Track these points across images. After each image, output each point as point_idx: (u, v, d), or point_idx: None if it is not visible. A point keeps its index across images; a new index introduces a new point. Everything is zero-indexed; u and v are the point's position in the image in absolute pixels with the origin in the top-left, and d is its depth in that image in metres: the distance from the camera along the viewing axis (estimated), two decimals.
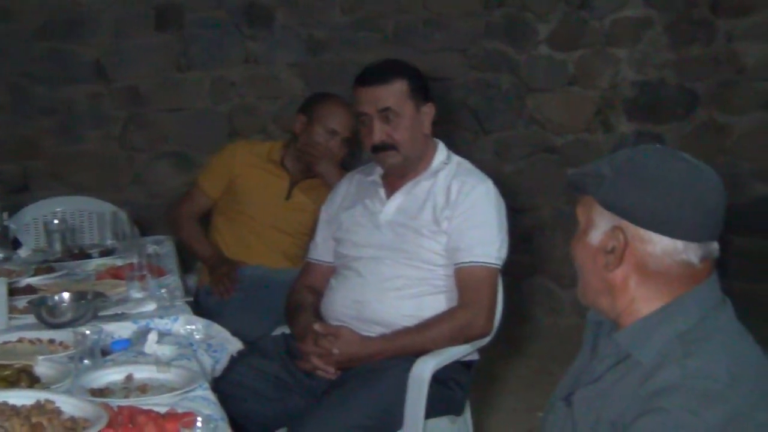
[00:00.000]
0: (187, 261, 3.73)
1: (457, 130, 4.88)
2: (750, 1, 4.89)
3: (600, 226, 1.58)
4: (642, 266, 1.55)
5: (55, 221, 3.38)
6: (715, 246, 1.56)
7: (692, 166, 1.55)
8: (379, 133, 2.70)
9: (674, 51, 4.93)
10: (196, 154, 4.52)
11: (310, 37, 4.63)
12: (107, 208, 3.77)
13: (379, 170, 2.86)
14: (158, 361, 2.11)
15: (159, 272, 2.81)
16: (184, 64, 4.56)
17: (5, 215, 3.32)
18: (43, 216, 3.72)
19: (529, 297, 4.94)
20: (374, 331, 2.66)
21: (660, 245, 1.53)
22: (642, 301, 1.56)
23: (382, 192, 2.81)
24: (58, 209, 3.80)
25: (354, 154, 3.71)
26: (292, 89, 4.62)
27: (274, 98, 4.60)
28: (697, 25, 4.88)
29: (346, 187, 2.95)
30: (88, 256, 3.17)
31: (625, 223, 1.54)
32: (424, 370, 2.56)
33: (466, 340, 2.67)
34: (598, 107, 4.91)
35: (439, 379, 2.61)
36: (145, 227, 4.18)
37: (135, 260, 2.72)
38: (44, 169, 4.55)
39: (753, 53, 4.90)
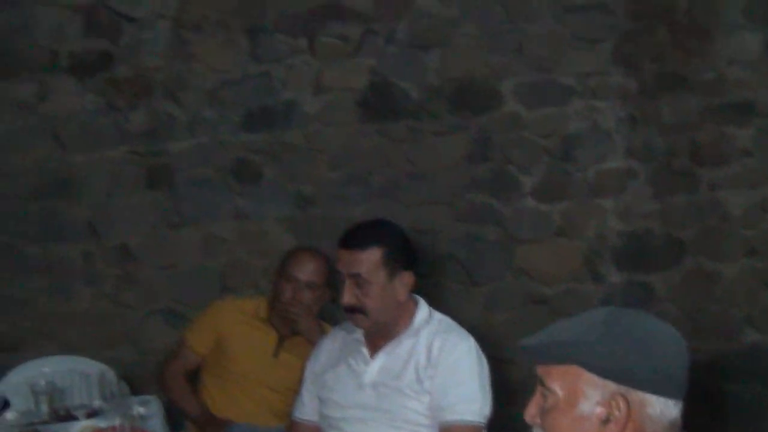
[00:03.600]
0: (177, 419, 4.14)
1: (446, 282, 5.36)
2: (727, 151, 5.49)
3: (592, 396, 1.69)
4: (640, 431, 1.68)
5: (42, 383, 3.77)
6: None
7: (664, 325, 1.77)
8: (348, 295, 3.06)
9: (659, 200, 5.52)
10: (189, 311, 4.94)
11: (298, 192, 5.21)
12: (96, 367, 4.17)
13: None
14: None
15: None
16: (176, 221, 5.13)
17: None
18: (32, 377, 4.07)
19: None
20: None
21: (658, 406, 1.69)
22: None
23: (365, 351, 3.14)
24: (46, 369, 4.19)
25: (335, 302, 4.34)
26: (282, 244, 5.05)
27: (264, 253, 5.12)
28: (680, 175, 5.44)
29: (330, 344, 3.28)
30: (74, 418, 3.51)
31: (625, 389, 1.67)
32: None
33: None
34: (586, 257, 5.47)
35: None
36: (137, 385, 4.76)
37: (118, 422, 3.11)
38: (35, 328, 5.04)
39: (736, 201, 5.49)
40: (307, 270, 3.91)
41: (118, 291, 5.16)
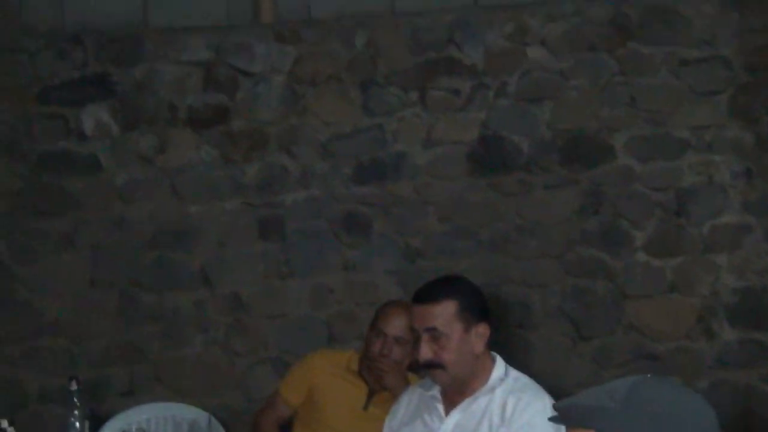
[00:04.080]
0: None
1: (555, 336, 5.43)
2: None
3: None
4: None
5: (132, 429, 3.95)
6: None
7: (693, 398, 1.76)
8: (425, 351, 3.08)
9: None
10: (296, 360, 4.89)
11: (406, 245, 5.34)
12: (194, 414, 4.36)
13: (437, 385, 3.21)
14: None
15: None
16: (286, 271, 5.32)
17: (86, 423, 3.77)
18: (131, 423, 4.30)
19: None
20: None
21: None
22: None
23: (440, 408, 3.17)
24: (145, 416, 4.42)
25: None
26: (390, 296, 5.09)
27: (371, 305, 5.06)
28: None
29: (407, 401, 3.33)
30: None
31: None
32: None
33: None
34: (699, 314, 5.39)
35: None
36: None
37: None
38: (149, 374, 5.29)
39: None
40: (396, 325, 3.94)
41: (229, 339, 5.35)
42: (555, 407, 1.86)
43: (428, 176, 5.41)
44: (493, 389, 3.15)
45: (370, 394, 4.05)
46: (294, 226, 5.37)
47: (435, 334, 3.08)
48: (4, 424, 2.83)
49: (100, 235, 5.32)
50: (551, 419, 1.89)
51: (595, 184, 5.44)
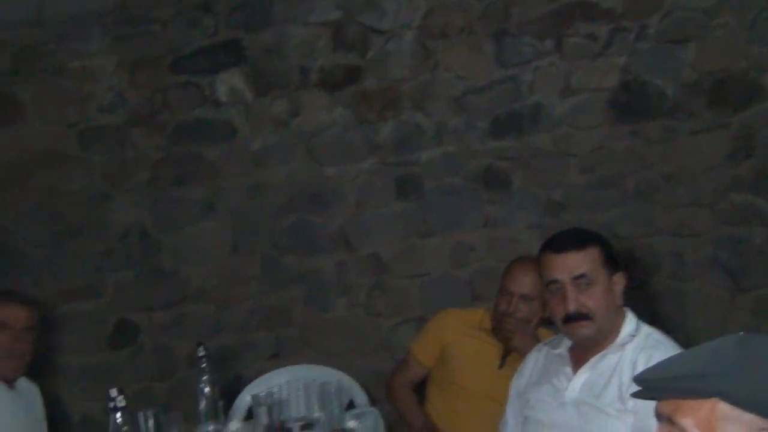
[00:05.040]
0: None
1: (710, 289, 5.30)
2: None
3: None
4: None
5: (262, 394, 3.94)
6: None
7: None
8: (572, 301, 3.00)
9: None
10: None
11: (548, 198, 5.33)
12: (335, 377, 4.40)
13: (566, 342, 3.16)
14: None
15: None
16: (425, 230, 5.37)
17: (216, 389, 3.81)
18: (275, 386, 4.42)
19: None
20: None
21: None
22: None
23: (568, 368, 3.11)
24: (284, 379, 4.51)
25: None
26: (532, 252, 5.47)
27: None
28: None
29: (534, 360, 3.28)
30: (288, 431, 3.67)
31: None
32: None
33: None
34: None
35: None
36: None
37: None
38: (294, 337, 5.44)
39: None
40: (522, 282, 3.93)
41: (370, 300, 5.47)
42: (645, 378, 1.74)
43: (568, 126, 5.37)
44: (623, 346, 3.06)
45: (505, 353, 4.02)
46: (431, 183, 5.43)
47: (583, 282, 3.01)
48: (114, 393, 3.01)
49: (238, 201, 5.47)
50: (636, 395, 1.79)
51: (745, 127, 5.31)
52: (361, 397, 4.51)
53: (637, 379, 1.79)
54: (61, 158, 5.54)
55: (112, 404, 2.96)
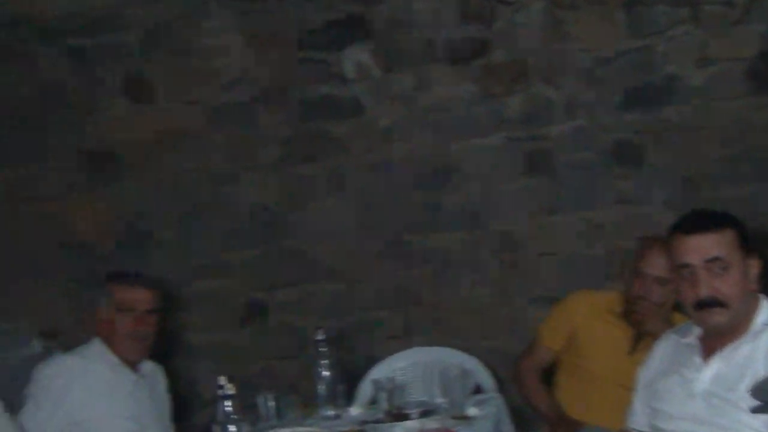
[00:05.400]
0: (527, 419, 4.24)
1: None
2: None
3: None
4: None
5: (382, 378, 3.90)
6: None
7: None
8: (705, 286, 2.86)
9: None
10: None
11: (684, 173, 5.17)
12: (459, 359, 4.40)
13: (696, 331, 3.02)
14: None
15: None
16: (555, 207, 5.27)
17: (335, 372, 3.81)
18: (397, 371, 4.40)
19: None
20: None
21: None
22: None
23: (698, 357, 2.98)
24: (404, 363, 4.47)
25: None
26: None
27: None
28: None
29: (662, 349, 3.16)
30: (406, 417, 3.55)
31: None
32: None
33: None
34: None
35: None
36: None
37: (433, 426, 3.17)
38: (422, 316, 5.41)
39: None
40: (657, 264, 3.76)
41: (501, 279, 5.39)
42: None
43: (704, 98, 5.18)
44: (757, 335, 2.92)
45: (636, 338, 3.90)
46: (562, 159, 5.32)
47: (718, 266, 2.88)
48: (222, 380, 3.03)
49: (365, 178, 5.45)
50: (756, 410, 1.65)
51: None
52: (487, 382, 4.45)
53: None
54: (190, 137, 5.62)
55: (220, 392, 2.98)
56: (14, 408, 3.70)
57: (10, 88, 5.75)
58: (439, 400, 3.80)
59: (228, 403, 2.98)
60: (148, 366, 3.92)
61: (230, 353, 5.62)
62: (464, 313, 5.42)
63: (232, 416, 2.97)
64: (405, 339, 5.40)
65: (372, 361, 5.04)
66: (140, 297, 3.85)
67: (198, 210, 5.61)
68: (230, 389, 2.97)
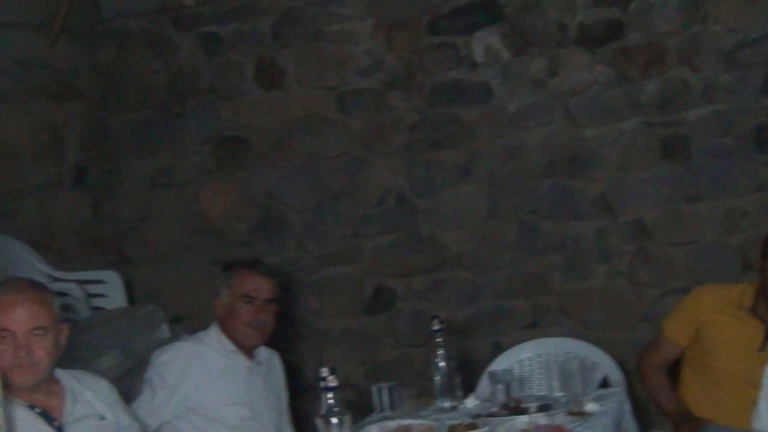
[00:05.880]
0: (650, 416, 4.18)
1: None
2: None
3: None
4: None
5: (499, 370, 3.89)
6: None
7: None
8: None
9: None
10: None
11: None
12: (589, 352, 4.37)
13: None
14: None
15: None
16: (692, 194, 5.11)
17: (452, 363, 3.80)
18: (522, 360, 4.47)
19: None
20: None
21: None
22: None
23: None
24: (528, 354, 4.51)
25: None
26: None
27: None
28: None
29: None
30: (523, 412, 3.49)
31: None
32: None
33: None
34: None
35: None
36: None
37: (544, 422, 3.11)
38: (552, 306, 5.32)
39: None
40: None
41: (633, 268, 5.25)
42: None
43: None
44: None
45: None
46: (699, 145, 5.14)
47: None
48: (325, 372, 3.04)
49: (495, 164, 5.39)
50: None
51: None
52: (615, 375, 4.38)
53: None
54: (321, 123, 5.67)
55: (323, 384, 3.00)
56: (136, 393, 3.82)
57: (148, 76, 5.91)
58: (558, 394, 3.75)
59: (330, 395, 3.00)
60: (264, 352, 3.98)
61: (360, 340, 5.66)
62: (596, 303, 5.31)
63: (334, 409, 2.99)
64: (535, 329, 5.34)
65: (500, 351, 5.04)
66: (262, 286, 3.92)
67: (329, 196, 5.66)
68: (332, 381, 2.99)
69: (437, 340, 3.81)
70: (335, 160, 5.63)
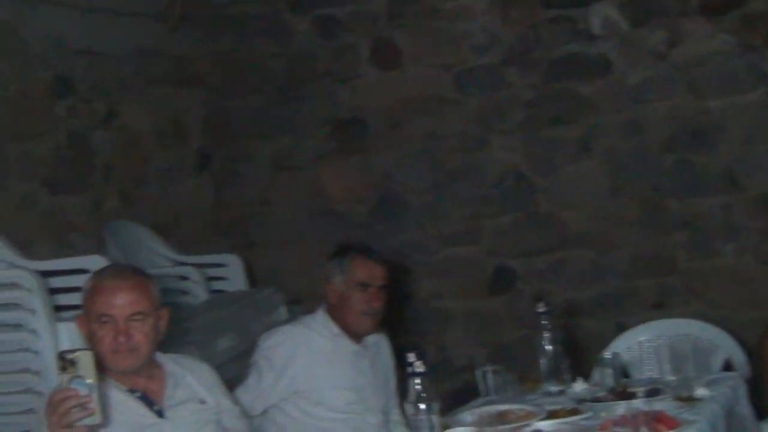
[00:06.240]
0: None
1: None
2: None
3: None
4: None
5: (608, 354, 3.74)
6: None
7: None
8: None
9: None
10: None
11: None
12: (710, 334, 4.16)
13: None
14: None
15: (669, 424, 2.93)
16: None
17: (558, 347, 3.65)
18: (643, 342, 4.28)
19: None
20: None
21: None
22: None
23: None
24: (648, 336, 4.28)
25: None
26: None
27: None
28: None
29: None
30: (631, 397, 3.33)
31: None
32: None
33: None
34: None
35: None
36: None
37: (643, 409, 2.94)
38: (678, 285, 5.22)
39: None
40: None
41: (762, 245, 5.09)
42: None
43: None
44: None
45: None
46: None
47: None
48: (412, 358, 3.00)
49: (615, 139, 5.28)
50: None
51: None
52: (738, 357, 4.22)
53: None
54: (438, 102, 5.64)
55: (410, 369, 2.97)
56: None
57: (267, 60, 5.96)
58: (670, 378, 3.59)
59: (418, 380, 2.97)
60: (372, 337, 3.97)
61: (481, 322, 5.63)
62: (723, 282, 5.17)
63: (422, 395, 2.96)
64: (661, 309, 5.22)
65: (623, 332, 4.93)
66: (376, 273, 3.87)
67: (448, 176, 5.63)
68: (419, 367, 2.95)
69: (543, 322, 3.71)
70: (453, 139, 5.60)
